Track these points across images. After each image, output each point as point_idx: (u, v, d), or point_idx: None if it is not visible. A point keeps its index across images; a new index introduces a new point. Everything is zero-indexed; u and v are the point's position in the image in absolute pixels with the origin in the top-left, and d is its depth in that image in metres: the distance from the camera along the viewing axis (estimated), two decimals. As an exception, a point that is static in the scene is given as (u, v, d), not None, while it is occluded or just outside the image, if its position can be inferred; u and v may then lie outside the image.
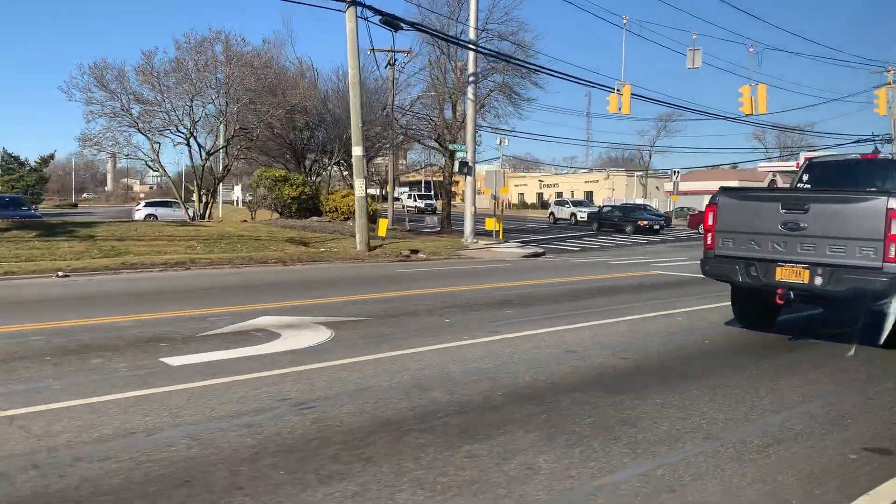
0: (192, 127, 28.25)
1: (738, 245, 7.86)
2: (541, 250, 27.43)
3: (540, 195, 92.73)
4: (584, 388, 5.78)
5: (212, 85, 28.37)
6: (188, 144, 28.93)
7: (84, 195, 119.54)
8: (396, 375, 6.02)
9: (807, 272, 7.32)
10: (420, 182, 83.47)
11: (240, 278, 14.41)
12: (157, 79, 27.57)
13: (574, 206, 54.53)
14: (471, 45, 29.87)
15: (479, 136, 44.19)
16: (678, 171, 52.48)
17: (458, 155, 30.85)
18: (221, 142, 30.19)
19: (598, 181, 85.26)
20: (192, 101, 27.45)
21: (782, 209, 7.49)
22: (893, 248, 6.78)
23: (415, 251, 23.42)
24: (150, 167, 31.41)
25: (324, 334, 7.76)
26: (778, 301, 7.52)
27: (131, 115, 27.50)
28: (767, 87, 30.53)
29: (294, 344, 7.26)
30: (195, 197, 29.79)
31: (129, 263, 17.13)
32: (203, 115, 29.18)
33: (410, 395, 5.44)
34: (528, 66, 34.35)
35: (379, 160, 72.73)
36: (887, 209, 6.80)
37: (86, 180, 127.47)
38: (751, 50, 32.27)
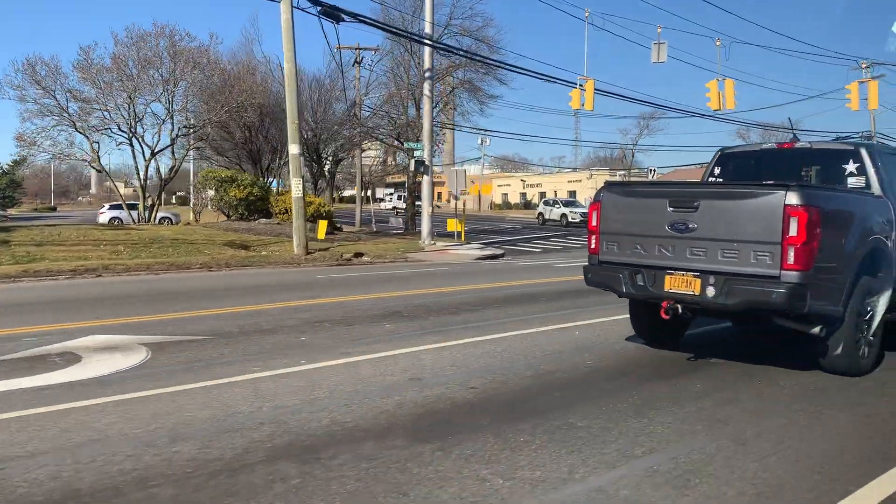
0: (133, 125, 26.92)
1: (623, 249, 6.71)
2: (500, 252, 26.32)
3: (523, 195, 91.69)
4: (389, 434, 4.60)
5: (155, 81, 27.08)
6: (131, 144, 27.61)
7: (79, 198, 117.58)
8: (161, 419, 4.82)
9: (697, 281, 6.17)
10: (405, 183, 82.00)
11: (142, 287, 13.19)
12: (96, 75, 26.26)
13: (565, 206, 50.20)
14: (426, 40, 28.74)
15: (444, 134, 43.01)
16: (654, 170, 51.48)
17: (416, 153, 29.70)
18: (167, 141, 28.90)
19: (581, 181, 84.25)
20: (130, 98, 26.11)
21: (670, 207, 6.33)
22: (792, 253, 5.64)
23: (359, 254, 22.23)
24: (94, 168, 30.03)
25: (135, 359, 6.55)
26: (663, 315, 6.36)
27: (68, 113, 26.17)
28: (735, 83, 29.61)
29: (86, 372, 6.05)
30: (140, 199, 28.46)
31: (34, 271, 15.85)
32: (147, 112, 27.85)
33: (149, 449, 4.24)
34: (488, 61, 33.25)
35: (365, 161, 71.37)
36: (784, 206, 5.66)
37: (70, 183, 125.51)
38: (717, 44, 31.31)
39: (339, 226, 32.06)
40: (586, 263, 7.09)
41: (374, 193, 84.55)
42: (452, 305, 10.37)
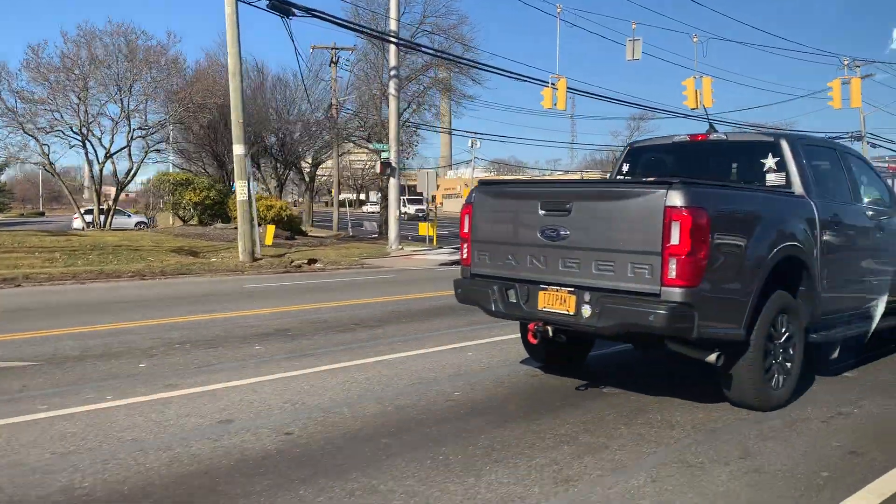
0: (83, 126, 25.86)
1: (494, 260, 5.67)
2: (468, 257, 25.28)
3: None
4: (119, 505, 3.55)
5: (109, 81, 26.05)
6: (84, 146, 26.57)
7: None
8: None
9: (572, 298, 5.13)
10: (406, 187, 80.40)
11: (49, 298, 12.11)
12: (46, 75, 25.23)
13: None
14: (391, 38, 27.79)
15: (419, 135, 42.02)
16: (639, 171, 50.36)
17: (383, 155, 28.74)
18: (123, 143, 27.83)
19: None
20: (79, 98, 25.07)
21: (541, 210, 5.30)
22: (674, 266, 4.60)
23: (313, 261, 21.21)
24: (48, 171, 28.98)
25: (-89, 395, 5.50)
26: (530, 339, 5.32)
27: (15, 114, 25.12)
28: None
29: None
30: (94, 203, 27.40)
31: (-60, 282, 14.79)
32: (101, 114, 26.80)
33: None
34: (460, 61, 32.27)
35: (357, 165, 70.02)
36: (665, 208, 4.62)
37: (62, 188, 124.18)
38: (695, 40, 30.40)
39: (305, 230, 31.04)
40: (458, 277, 6.05)
41: (367, 196, 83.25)
42: (356, 320, 9.32)
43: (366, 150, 54.12)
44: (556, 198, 5.23)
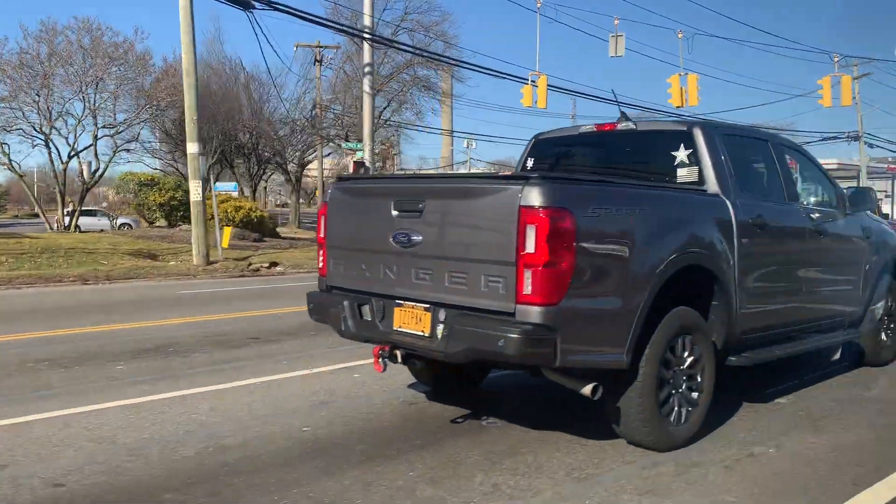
0: (44, 124, 25.06)
1: (349, 270, 4.80)
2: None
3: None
4: None
5: (72, 78, 25.25)
6: (47, 145, 25.79)
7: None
8: None
9: (428, 316, 4.26)
10: None
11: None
12: (6, 71, 24.46)
13: None
14: (365, 34, 26.97)
15: (405, 133, 41.25)
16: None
17: (358, 154, 27.95)
18: (88, 142, 27.01)
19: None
20: (38, 94, 24.28)
21: (394, 210, 4.42)
22: (529, 279, 3.72)
23: (274, 264, 20.42)
24: (11, 171, 28.19)
25: None
26: (376, 368, 4.46)
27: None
28: (699, 78, 28.03)
29: None
30: (59, 205, 26.61)
31: None
32: (66, 112, 26.00)
33: None
34: (442, 59, 31.46)
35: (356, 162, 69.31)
36: (520, 208, 3.75)
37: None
38: (679, 36, 29.58)
39: (279, 231, 30.21)
40: (314, 290, 5.18)
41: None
42: (260, 333, 8.46)
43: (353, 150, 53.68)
44: (409, 196, 4.35)
